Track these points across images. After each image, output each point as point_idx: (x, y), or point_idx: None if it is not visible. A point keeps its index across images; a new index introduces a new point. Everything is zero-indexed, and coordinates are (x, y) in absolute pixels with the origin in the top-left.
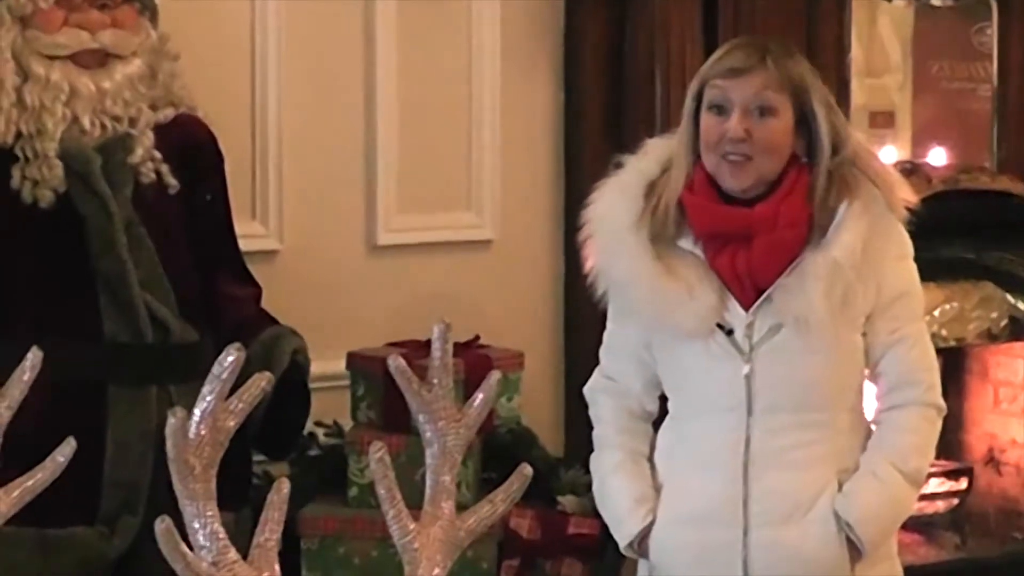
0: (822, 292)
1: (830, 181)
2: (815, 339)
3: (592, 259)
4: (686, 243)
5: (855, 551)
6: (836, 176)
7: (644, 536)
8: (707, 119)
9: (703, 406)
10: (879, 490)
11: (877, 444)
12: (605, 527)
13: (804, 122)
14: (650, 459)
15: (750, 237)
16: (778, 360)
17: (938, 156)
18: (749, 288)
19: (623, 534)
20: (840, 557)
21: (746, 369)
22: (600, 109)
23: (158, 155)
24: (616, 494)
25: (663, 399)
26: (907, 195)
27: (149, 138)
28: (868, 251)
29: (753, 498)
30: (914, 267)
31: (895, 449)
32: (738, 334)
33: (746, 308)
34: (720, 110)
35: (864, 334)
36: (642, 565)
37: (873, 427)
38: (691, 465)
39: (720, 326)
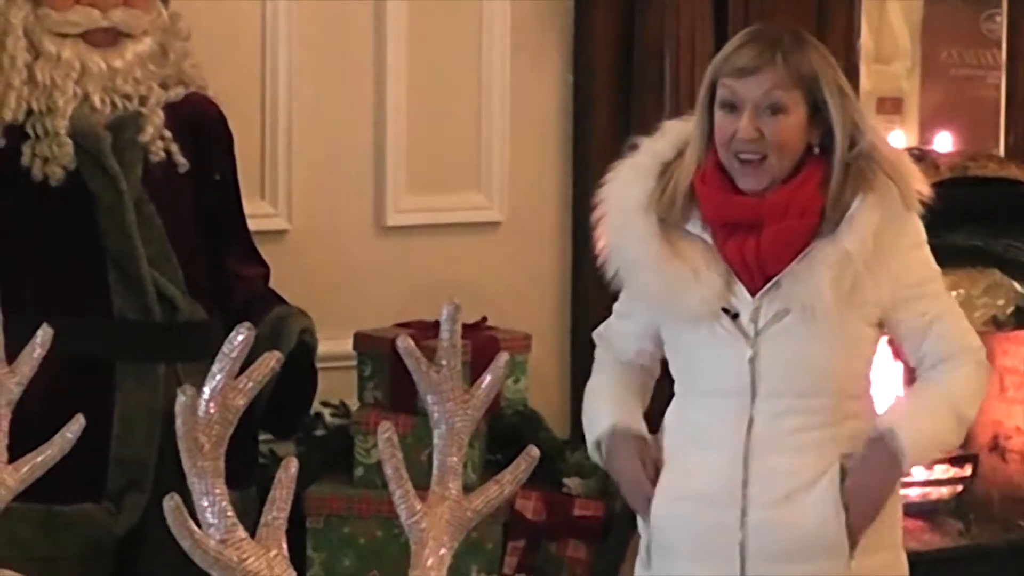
0: (831, 281)
1: (846, 174)
2: (820, 326)
3: (603, 240)
4: (694, 227)
5: (853, 535)
6: (853, 169)
7: (616, 437)
8: (719, 117)
9: (708, 388)
10: (926, 410)
11: (925, 384)
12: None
13: (818, 112)
14: (643, 408)
15: (760, 225)
16: (782, 345)
17: (946, 143)
18: (757, 275)
19: (594, 429)
20: (838, 541)
21: (750, 353)
22: (609, 92)
23: (168, 134)
24: (599, 398)
25: (670, 380)
26: (922, 187)
27: (159, 117)
28: (879, 243)
29: (752, 479)
30: (929, 251)
31: (945, 386)
32: (744, 318)
33: (753, 294)
34: (732, 108)
35: (880, 324)
36: (643, 539)
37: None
38: (693, 445)
39: (726, 310)
